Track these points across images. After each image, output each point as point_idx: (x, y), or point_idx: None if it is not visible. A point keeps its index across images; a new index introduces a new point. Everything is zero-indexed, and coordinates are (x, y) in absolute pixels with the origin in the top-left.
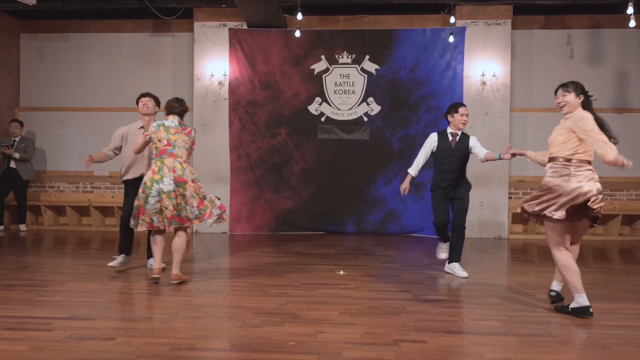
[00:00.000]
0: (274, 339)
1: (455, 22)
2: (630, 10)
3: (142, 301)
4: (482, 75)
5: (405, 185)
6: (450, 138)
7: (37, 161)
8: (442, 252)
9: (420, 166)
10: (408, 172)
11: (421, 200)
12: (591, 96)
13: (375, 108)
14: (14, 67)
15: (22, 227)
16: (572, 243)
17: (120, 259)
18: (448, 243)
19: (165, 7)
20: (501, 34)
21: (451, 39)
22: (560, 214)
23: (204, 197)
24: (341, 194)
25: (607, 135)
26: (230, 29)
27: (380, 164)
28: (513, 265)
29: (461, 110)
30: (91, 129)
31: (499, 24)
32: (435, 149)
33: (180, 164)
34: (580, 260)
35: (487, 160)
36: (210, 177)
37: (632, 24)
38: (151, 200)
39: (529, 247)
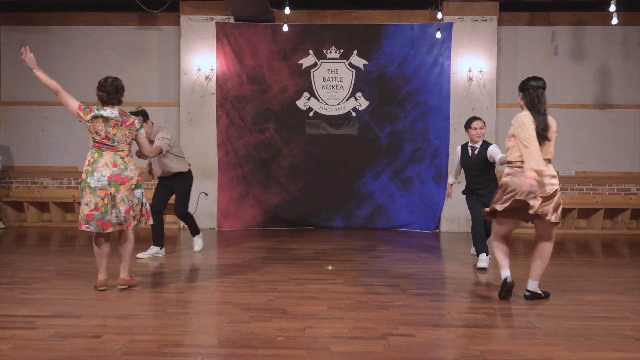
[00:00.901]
0: (263, 334)
1: (442, 18)
2: (612, 7)
3: (128, 298)
4: (469, 71)
5: (448, 190)
6: (470, 152)
7: (20, 157)
8: (482, 262)
9: (454, 174)
10: (448, 182)
11: (409, 195)
12: (539, 88)
13: (363, 103)
14: None
15: None
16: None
17: (151, 249)
18: (485, 254)
19: (151, 0)
20: (487, 30)
21: (438, 34)
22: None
23: (134, 205)
24: (330, 189)
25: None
26: (217, 23)
27: (369, 159)
28: None
29: (474, 124)
30: (76, 124)
31: (486, 20)
32: (459, 160)
33: (122, 158)
34: (564, 253)
35: (502, 164)
36: (198, 173)
37: (615, 21)
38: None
39: (515, 241)
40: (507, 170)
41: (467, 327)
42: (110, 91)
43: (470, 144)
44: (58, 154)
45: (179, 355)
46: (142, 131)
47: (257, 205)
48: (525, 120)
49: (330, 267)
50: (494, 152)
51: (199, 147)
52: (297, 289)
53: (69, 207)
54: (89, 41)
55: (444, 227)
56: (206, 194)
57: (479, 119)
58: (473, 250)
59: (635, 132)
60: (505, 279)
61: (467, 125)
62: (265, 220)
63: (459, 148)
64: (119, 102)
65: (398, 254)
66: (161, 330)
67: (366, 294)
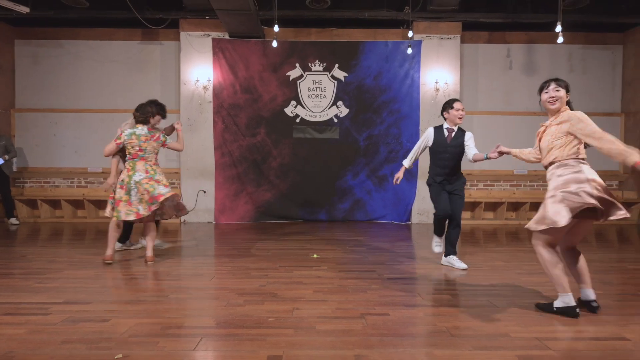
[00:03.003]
0: (255, 316)
1: (413, 36)
2: (558, 28)
3: (133, 285)
4: (436, 82)
5: (398, 175)
6: (446, 133)
7: (34, 159)
8: (437, 246)
9: (413, 158)
10: (402, 164)
11: (383, 191)
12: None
13: (344, 111)
14: (9, 71)
15: (13, 220)
16: (573, 244)
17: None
18: (442, 237)
19: (153, 18)
20: (452, 47)
21: (409, 50)
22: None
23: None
24: (314, 186)
25: None
26: (213, 39)
27: (349, 160)
28: (462, 247)
29: (456, 105)
30: (84, 129)
31: (450, 38)
32: (430, 144)
33: (151, 166)
34: (518, 241)
35: (475, 161)
36: (197, 173)
37: (561, 40)
38: (133, 192)
39: (476, 231)
40: (560, 170)
41: (435, 306)
42: (140, 107)
43: (446, 126)
44: (68, 156)
45: (180, 336)
46: (168, 140)
47: (250, 202)
48: (588, 118)
49: (315, 256)
50: (470, 144)
51: (198, 150)
52: (286, 275)
53: (79, 203)
54: (96, 54)
55: (414, 219)
56: (204, 192)
57: (460, 100)
58: (435, 246)
59: None
60: (579, 299)
61: (449, 107)
62: (258, 215)
63: (432, 130)
64: (143, 120)
65: (375, 243)
66: (164, 314)
67: (347, 279)
